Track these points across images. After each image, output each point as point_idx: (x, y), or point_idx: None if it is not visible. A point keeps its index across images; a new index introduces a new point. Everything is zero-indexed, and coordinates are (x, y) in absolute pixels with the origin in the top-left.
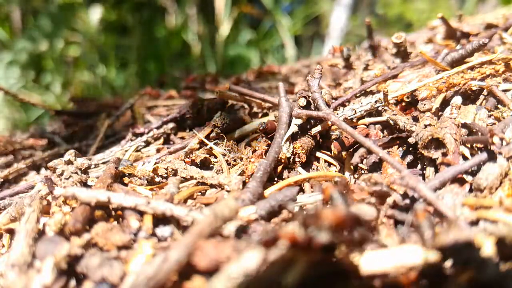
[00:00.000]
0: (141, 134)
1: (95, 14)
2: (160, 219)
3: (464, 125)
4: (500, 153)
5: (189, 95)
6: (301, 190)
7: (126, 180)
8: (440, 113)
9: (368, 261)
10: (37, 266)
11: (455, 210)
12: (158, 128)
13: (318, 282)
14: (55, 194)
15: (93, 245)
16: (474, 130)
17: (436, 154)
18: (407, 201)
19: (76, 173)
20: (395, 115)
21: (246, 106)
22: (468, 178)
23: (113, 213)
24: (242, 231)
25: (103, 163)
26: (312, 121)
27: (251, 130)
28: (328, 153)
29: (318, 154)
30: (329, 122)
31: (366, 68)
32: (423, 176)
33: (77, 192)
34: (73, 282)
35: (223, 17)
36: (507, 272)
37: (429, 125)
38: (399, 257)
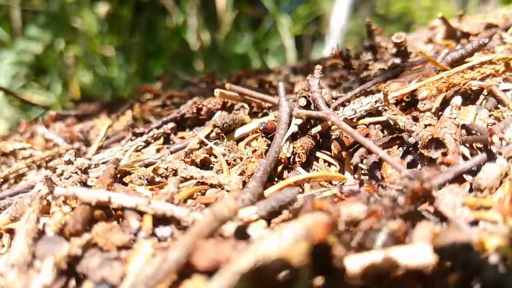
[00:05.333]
0: (141, 134)
1: (101, 10)
2: (160, 219)
3: (464, 126)
4: (500, 153)
5: (189, 94)
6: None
7: (126, 180)
8: (440, 113)
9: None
10: (37, 266)
11: (455, 210)
12: (158, 128)
13: None
14: (55, 194)
15: (93, 245)
16: (474, 131)
17: (436, 154)
18: None
19: (76, 173)
20: (395, 115)
21: (246, 106)
22: (468, 178)
23: (113, 213)
24: (242, 232)
25: (103, 163)
26: (312, 121)
27: (251, 130)
28: (328, 153)
29: (318, 154)
30: (329, 122)
31: (366, 68)
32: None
33: (77, 192)
34: (73, 282)
35: (224, 17)
36: (506, 274)
37: (429, 125)
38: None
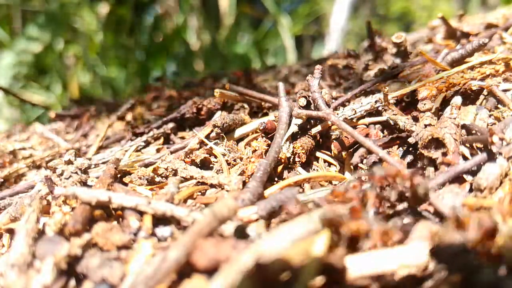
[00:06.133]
0: (141, 134)
1: (101, 10)
2: (160, 219)
3: (464, 126)
4: (500, 153)
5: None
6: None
7: (126, 180)
8: (440, 113)
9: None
10: (37, 266)
11: (455, 210)
12: (158, 128)
13: None
14: (55, 193)
15: (93, 245)
16: (474, 131)
17: (436, 154)
18: None
19: (76, 173)
20: (395, 115)
21: (246, 106)
22: (468, 178)
23: (113, 213)
24: (241, 231)
25: (103, 163)
26: (312, 121)
27: (251, 130)
28: (328, 153)
29: (318, 154)
30: (329, 122)
31: (366, 68)
32: (423, 176)
33: (77, 192)
34: (73, 282)
35: (226, 17)
36: (504, 276)
37: (429, 125)
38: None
